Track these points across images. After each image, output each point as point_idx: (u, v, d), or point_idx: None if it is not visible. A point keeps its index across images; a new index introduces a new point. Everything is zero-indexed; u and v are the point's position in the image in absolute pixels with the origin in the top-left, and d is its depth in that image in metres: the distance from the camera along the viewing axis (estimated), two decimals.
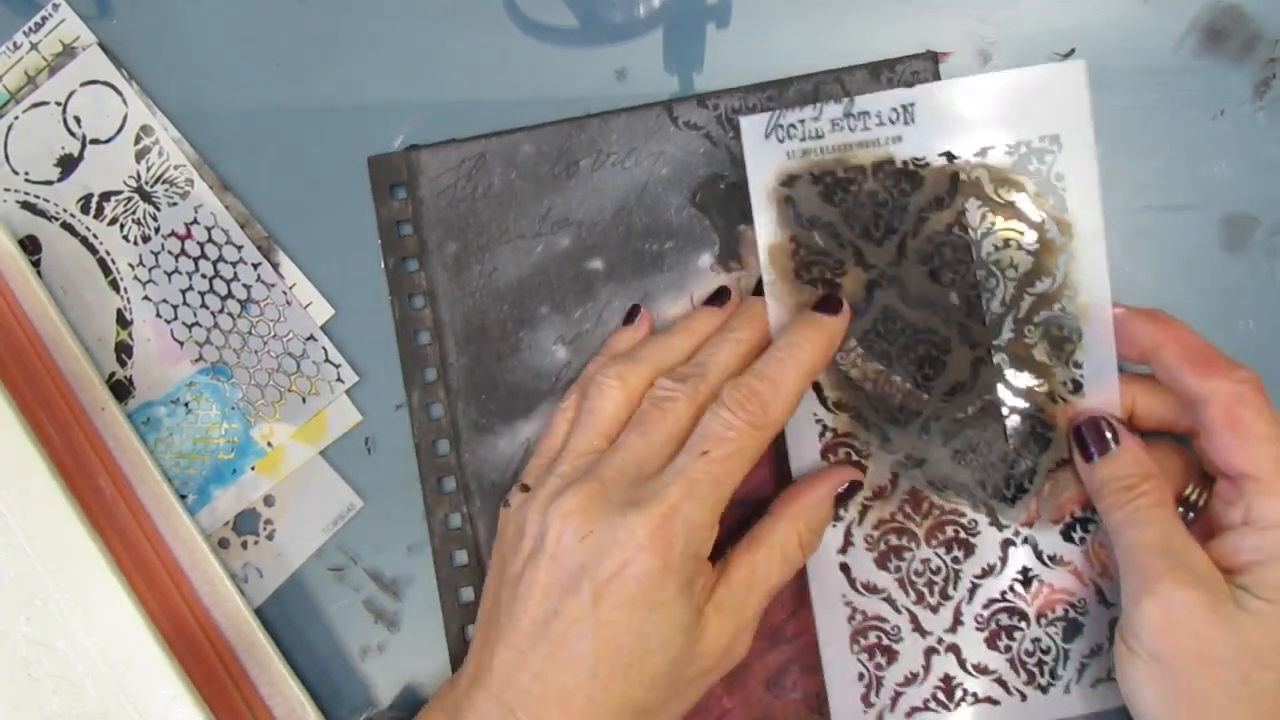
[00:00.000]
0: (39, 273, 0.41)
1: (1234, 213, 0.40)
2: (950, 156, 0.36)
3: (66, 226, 0.42)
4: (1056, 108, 0.35)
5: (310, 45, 0.42)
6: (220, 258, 0.41)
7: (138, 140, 0.42)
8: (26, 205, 0.42)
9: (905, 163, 0.36)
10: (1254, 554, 0.31)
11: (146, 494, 0.40)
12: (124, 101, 0.42)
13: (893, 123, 0.35)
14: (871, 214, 0.36)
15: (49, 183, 0.42)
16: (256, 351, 0.41)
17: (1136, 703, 0.33)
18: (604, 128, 0.40)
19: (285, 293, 0.41)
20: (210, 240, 0.41)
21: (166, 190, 0.42)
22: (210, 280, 0.41)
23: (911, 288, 0.36)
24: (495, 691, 0.33)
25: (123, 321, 0.42)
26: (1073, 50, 0.40)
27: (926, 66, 0.39)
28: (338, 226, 0.41)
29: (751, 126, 0.36)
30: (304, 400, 0.41)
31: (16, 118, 0.42)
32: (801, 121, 0.36)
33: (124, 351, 0.42)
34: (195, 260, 0.41)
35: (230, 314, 0.41)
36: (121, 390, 0.41)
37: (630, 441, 0.34)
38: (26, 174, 0.42)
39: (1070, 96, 0.35)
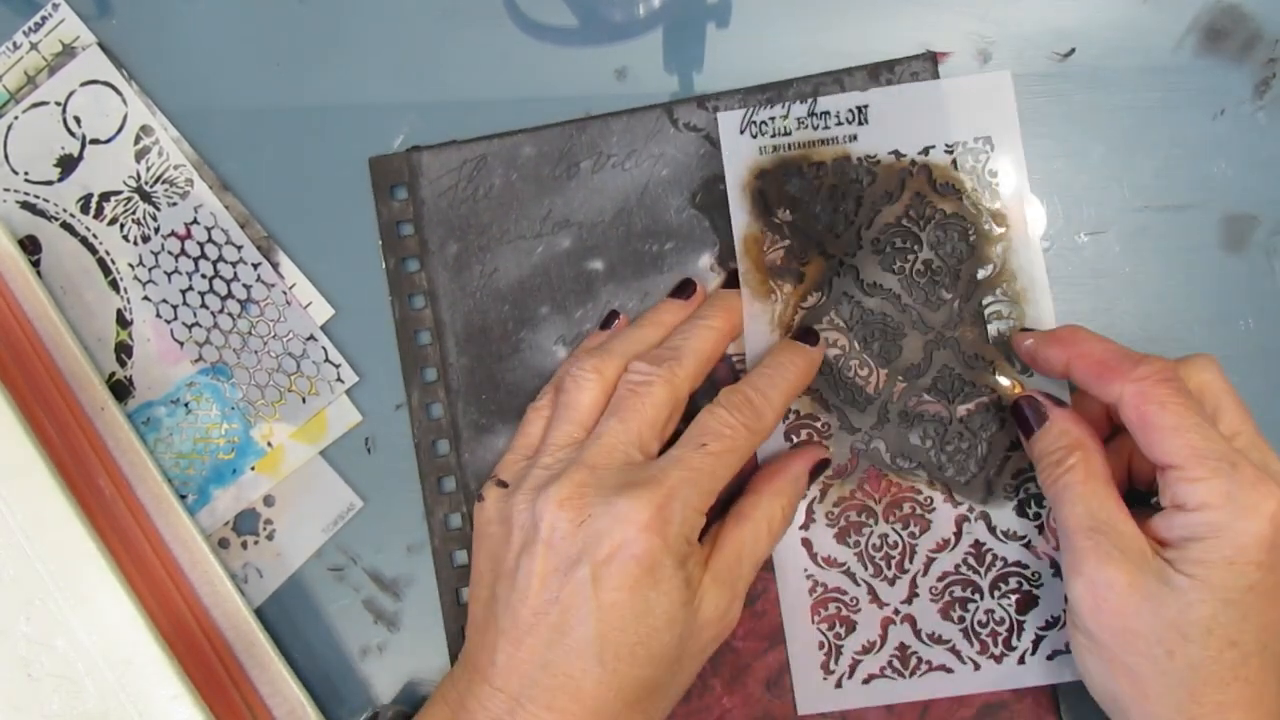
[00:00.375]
0: (39, 273, 0.41)
1: (1234, 212, 0.40)
2: (898, 154, 0.39)
3: (66, 226, 0.42)
4: (988, 112, 0.39)
5: (310, 45, 0.42)
6: (220, 258, 0.41)
7: (137, 140, 0.42)
8: (26, 205, 0.42)
9: (860, 159, 0.39)
10: (1181, 531, 0.31)
11: (146, 494, 0.40)
12: (124, 101, 0.42)
13: (849, 122, 0.39)
14: (832, 207, 0.39)
15: (49, 183, 0.42)
16: (256, 351, 0.41)
17: (1084, 675, 0.34)
18: (604, 130, 0.40)
19: (285, 293, 0.41)
20: (210, 240, 0.41)
21: (166, 190, 0.42)
22: (210, 280, 0.41)
23: (867, 275, 0.38)
24: (499, 685, 0.33)
25: (123, 321, 0.42)
26: (1073, 50, 0.40)
27: (926, 67, 0.39)
28: (338, 226, 0.41)
29: (728, 121, 0.39)
30: (304, 400, 0.41)
31: (16, 118, 0.42)
32: (772, 119, 0.39)
33: (124, 351, 0.42)
34: (195, 260, 0.41)
35: (230, 314, 0.41)
36: (121, 390, 0.41)
37: (611, 428, 0.35)
38: (26, 174, 0.42)
39: (1000, 102, 0.39)
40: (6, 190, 0.42)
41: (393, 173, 0.40)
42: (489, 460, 0.40)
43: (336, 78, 0.42)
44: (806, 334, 0.38)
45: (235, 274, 0.41)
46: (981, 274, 0.38)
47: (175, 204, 0.41)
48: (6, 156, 0.42)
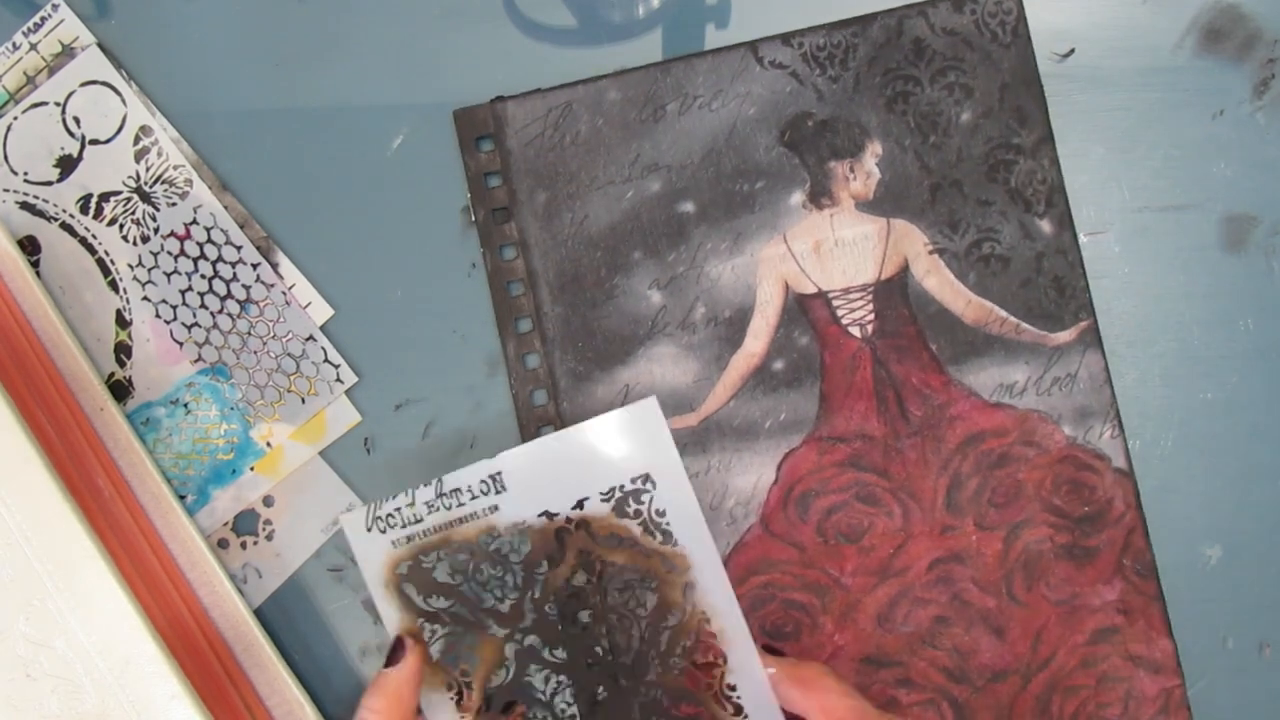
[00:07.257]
0: (38, 273, 0.41)
1: (1233, 212, 0.40)
2: (549, 515, 0.35)
3: (66, 227, 0.42)
4: (640, 448, 0.35)
5: (310, 45, 0.42)
6: (219, 258, 0.41)
7: (137, 140, 0.42)
8: (26, 206, 0.42)
9: (507, 529, 0.35)
10: None
11: (145, 494, 0.40)
12: (123, 102, 0.42)
13: (485, 494, 0.35)
14: (489, 581, 0.36)
15: (48, 183, 0.42)
16: (256, 352, 0.41)
17: None
18: (689, 71, 0.40)
19: (284, 293, 0.41)
20: (209, 240, 0.41)
21: (165, 190, 0.42)
22: (209, 280, 0.41)
23: (549, 642, 0.36)
24: None
25: (122, 322, 0.42)
26: (1072, 50, 0.40)
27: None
28: (337, 226, 0.41)
29: (351, 523, 0.36)
30: (303, 400, 0.41)
31: (16, 118, 0.42)
32: (398, 509, 0.36)
33: (123, 352, 0.42)
34: (194, 260, 0.41)
35: (230, 314, 0.41)
36: (121, 390, 0.41)
37: None
38: (26, 174, 0.42)
39: (650, 434, 0.35)
40: (6, 191, 0.42)
41: (478, 124, 0.40)
42: (588, 408, 0.40)
43: (336, 78, 0.42)
44: (392, 654, 0.35)
45: (234, 274, 0.41)
46: (672, 620, 0.35)
47: (174, 204, 0.41)
48: (6, 157, 0.42)
